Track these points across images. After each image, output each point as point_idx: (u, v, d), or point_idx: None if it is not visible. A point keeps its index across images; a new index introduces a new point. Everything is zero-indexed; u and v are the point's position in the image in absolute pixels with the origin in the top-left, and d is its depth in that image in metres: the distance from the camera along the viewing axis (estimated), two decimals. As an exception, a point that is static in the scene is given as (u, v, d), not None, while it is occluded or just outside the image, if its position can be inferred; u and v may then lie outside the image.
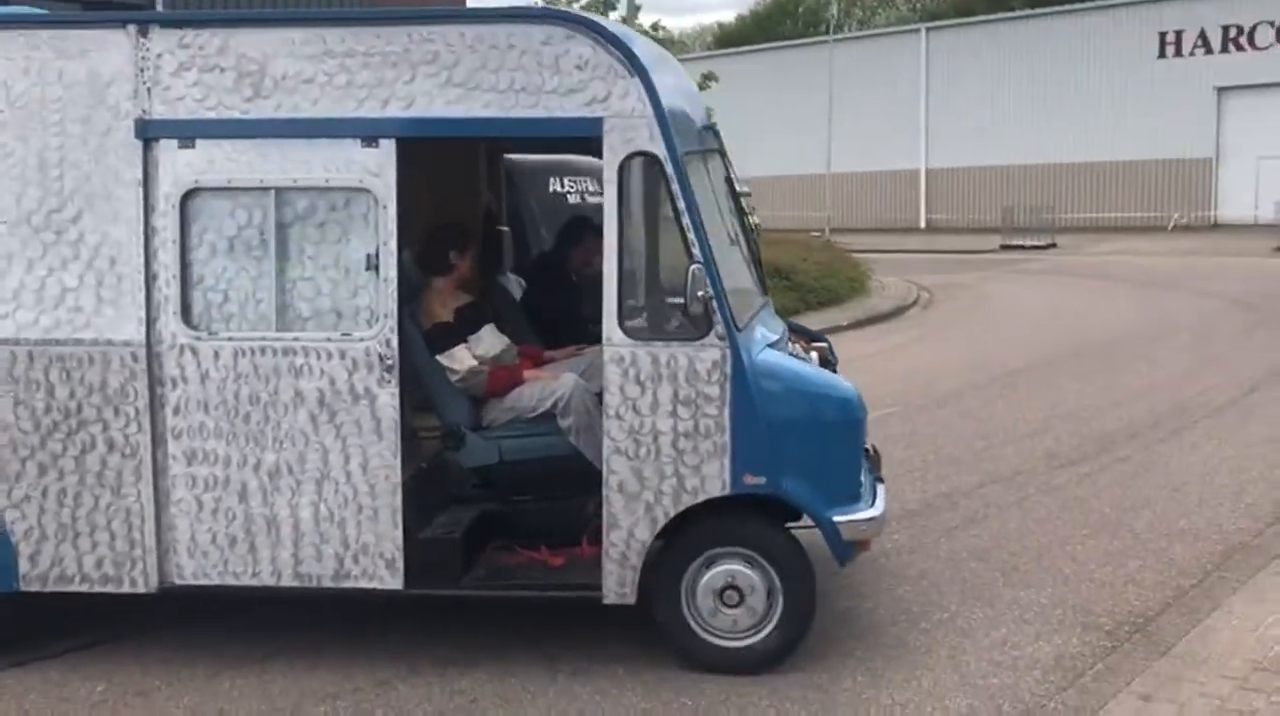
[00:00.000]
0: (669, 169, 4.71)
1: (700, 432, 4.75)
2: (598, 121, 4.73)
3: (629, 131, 4.71)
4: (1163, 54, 40.81)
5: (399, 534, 4.87)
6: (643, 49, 4.85)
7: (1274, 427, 9.43)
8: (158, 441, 4.87)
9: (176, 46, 4.79)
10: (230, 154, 4.79)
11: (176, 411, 4.85)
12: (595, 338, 5.00)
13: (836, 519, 4.84)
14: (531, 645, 5.20)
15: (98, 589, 4.96)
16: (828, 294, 18.91)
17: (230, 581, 4.94)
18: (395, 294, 4.78)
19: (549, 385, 5.41)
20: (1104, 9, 44.18)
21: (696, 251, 4.71)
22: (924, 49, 45.89)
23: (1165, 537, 6.70)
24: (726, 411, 4.74)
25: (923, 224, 45.23)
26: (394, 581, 4.89)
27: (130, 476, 4.87)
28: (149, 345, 4.82)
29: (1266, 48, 39.04)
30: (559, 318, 6.28)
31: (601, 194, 4.89)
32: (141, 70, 4.80)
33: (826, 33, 47.02)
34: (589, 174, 8.92)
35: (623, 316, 4.76)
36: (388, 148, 4.76)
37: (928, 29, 47.73)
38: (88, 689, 4.84)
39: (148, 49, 4.79)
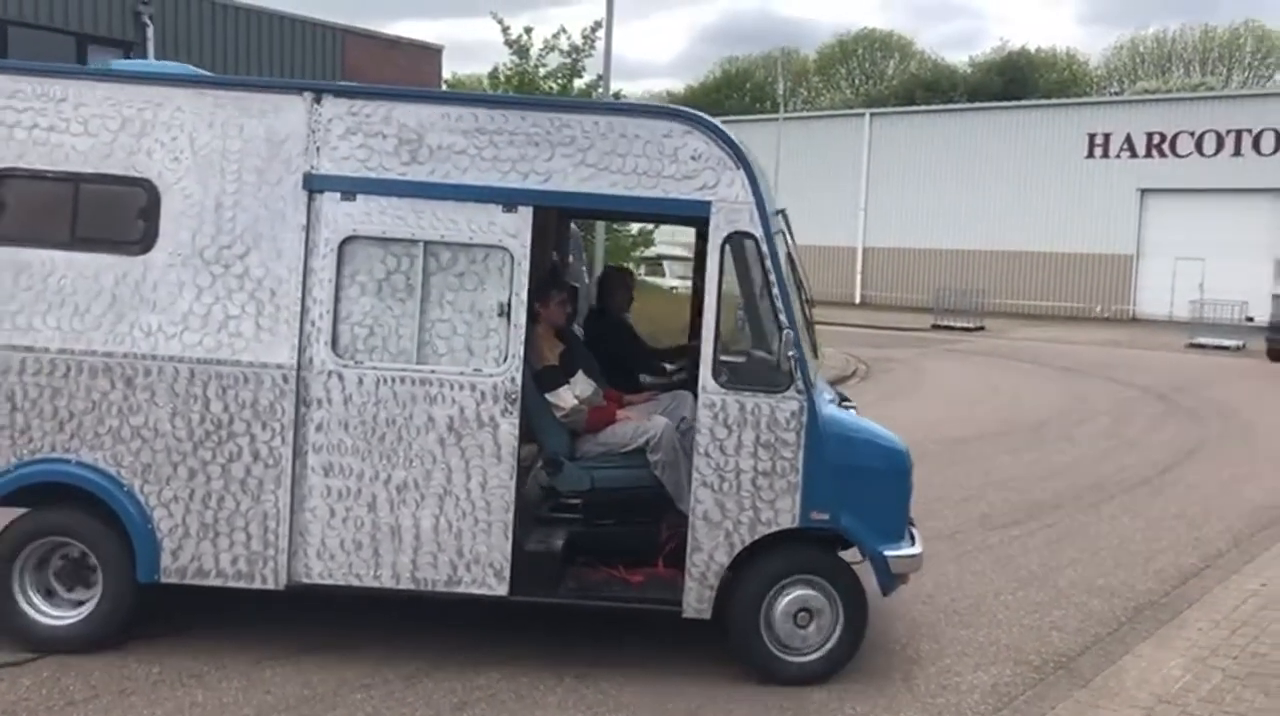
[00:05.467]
0: (764, 247, 5.54)
1: (776, 472, 5.53)
2: (706, 204, 5.54)
3: (733, 214, 5.53)
4: (1091, 154, 42.88)
5: (509, 546, 5.51)
6: (744, 146, 5.64)
7: (1181, 505, 10.43)
8: (298, 454, 5.47)
9: (345, 113, 5.50)
10: (386, 209, 5.47)
11: (319, 428, 5.46)
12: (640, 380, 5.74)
13: (887, 553, 5.65)
14: (540, 650, 5.87)
15: (229, 584, 5.53)
16: (769, 362, 19.69)
17: (353, 582, 5.53)
18: (523, 338, 5.51)
19: (642, 425, 6.17)
20: (1038, 108, 46.50)
21: (783, 318, 5.54)
22: (867, 132, 47.64)
23: (1085, 592, 7.56)
24: (800, 455, 5.52)
25: (858, 299, 46.65)
26: (500, 588, 5.53)
27: (270, 484, 5.46)
28: (299, 369, 5.46)
29: (1186, 155, 41.26)
30: (618, 361, 7.13)
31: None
32: (313, 131, 5.49)
33: (773, 109, 48.63)
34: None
35: (716, 369, 5.53)
36: (525, 214, 5.49)
37: (871, 114, 49.57)
38: (145, 670, 5.41)
39: (319, 113, 5.50)
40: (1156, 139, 41.83)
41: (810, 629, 5.67)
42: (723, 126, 5.63)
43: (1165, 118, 41.90)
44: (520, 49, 25.97)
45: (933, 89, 61.94)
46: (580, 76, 26.69)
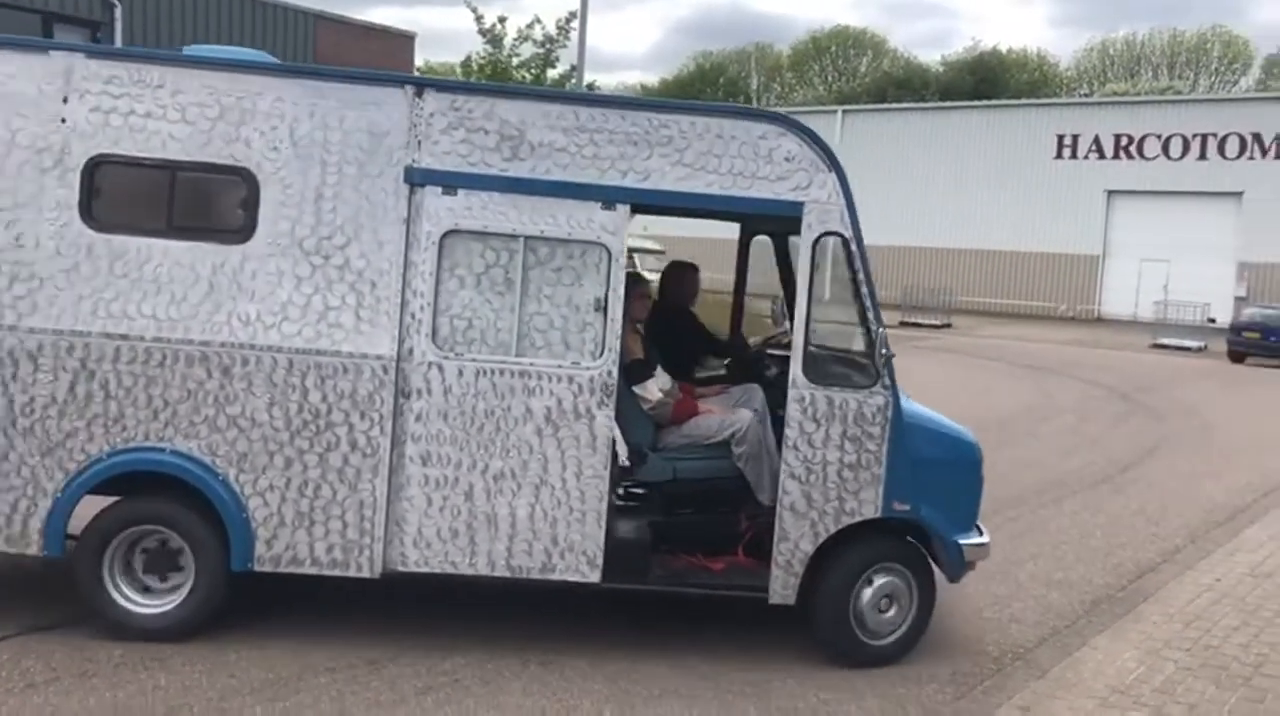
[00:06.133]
0: (854, 247, 5.71)
1: (861, 465, 5.73)
2: (800, 204, 5.68)
3: (824, 215, 5.68)
4: (1059, 155, 43.40)
5: (601, 534, 5.61)
6: (834, 150, 5.78)
7: (1141, 502, 10.59)
8: (396, 443, 5.49)
9: (447, 108, 5.51)
10: (487, 204, 5.51)
11: (418, 418, 5.49)
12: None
13: (960, 542, 5.92)
14: (505, 637, 5.89)
15: (324, 572, 5.54)
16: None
17: (448, 569, 5.58)
18: (619, 332, 5.60)
19: (727, 418, 6.30)
20: (1008, 108, 46.95)
21: (872, 316, 5.76)
22: (839, 129, 47.90)
23: (1044, 586, 7.67)
24: (884, 448, 5.73)
25: (828, 295, 46.82)
26: (593, 576, 5.63)
27: (368, 473, 5.48)
28: (399, 360, 5.48)
29: (1153, 158, 41.86)
30: (685, 353, 7.31)
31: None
32: (415, 125, 5.49)
33: (746, 104, 48.72)
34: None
35: (807, 364, 5.68)
36: (623, 211, 5.59)
37: (844, 111, 49.89)
38: (107, 652, 5.38)
39: (421, 107, 5.50)
40: (1124, 141, 42.38)
41: (890, 613, 5.92)
42: (812, 131, 5.79)
43: (1133, 120, 42.45)
44: (494, 38, 25.87)
45: (905, 87, 62.33)
46: (554, 67, 26.62)
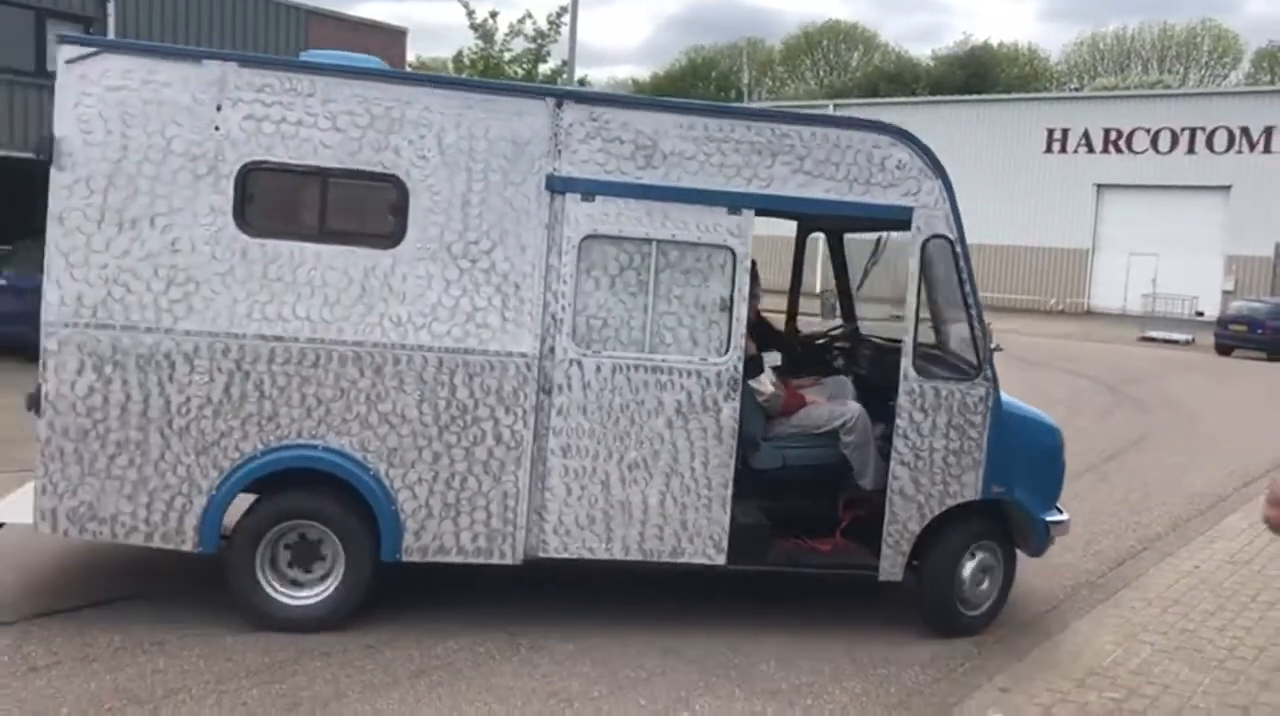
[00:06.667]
0: (958, 248, 6.15)
1: (964, 451, 6.19)
2: (909, 209, 6.08)
3: (931, 219, 6.10)
4: (1049, 149, 43.57)
5: (727, 519, 5.95)
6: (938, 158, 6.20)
7: (1125, 491, 10.75)
8: (538, 436, 5.76)
9: (586, 119, 5.78)
10: (622, 210, 5.80)
11: (559, 412, 5.78)
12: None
13: (1048, 519, 6.48)
14: (497, 622, 6.03)
15: (468, 560, 5.79)
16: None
17: (585, 555, 5.87)
18: (744, 330, 5.94)
19: (836, 409, 6.69)
20: (998, 102, 47.07)
21: (975, 313, 6.19)
22: (830, 124, 47.95)
23: (1028, 571, 7.78)
24: (984, 436, 6.18)
25: (817, 288, 46.98)
26: (719, 558, 5.98)
27: (511, 465, 5.74)
28: (541, 358, 5.74)
29: (1142, 152, 42.04)
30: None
31: None
32: (555, 135, 5.75)
33: (738, 99, 48.85)
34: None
35: (916, 358, 6.10)
36: (748, 216, 5.92)
37: (835, 105, 50.01)
38: (106, 638, 5.50)
39: (561, 118, 5.76)
40: (1113, 135, 42.55)
41: (984, 586, 6.42)
42: (920, 141, 6.19)
43: (1122, 114, 42.61)
44: (485, 33, 25.96)
45: (896, 81, 62.51)
46: (545, 62, 26.70)
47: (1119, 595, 7.38)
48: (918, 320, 6.07)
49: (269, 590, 5.69)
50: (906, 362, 6.09)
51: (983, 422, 6.18)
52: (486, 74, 25.51)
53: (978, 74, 62.40)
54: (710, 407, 5.90)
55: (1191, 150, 41.20)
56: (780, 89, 74.14)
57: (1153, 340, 32.10)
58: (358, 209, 5.70)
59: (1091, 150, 43.00)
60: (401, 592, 6.27)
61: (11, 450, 9.45)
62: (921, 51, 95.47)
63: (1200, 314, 37.40)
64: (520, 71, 25.27)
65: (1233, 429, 15.30)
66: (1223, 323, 29.67)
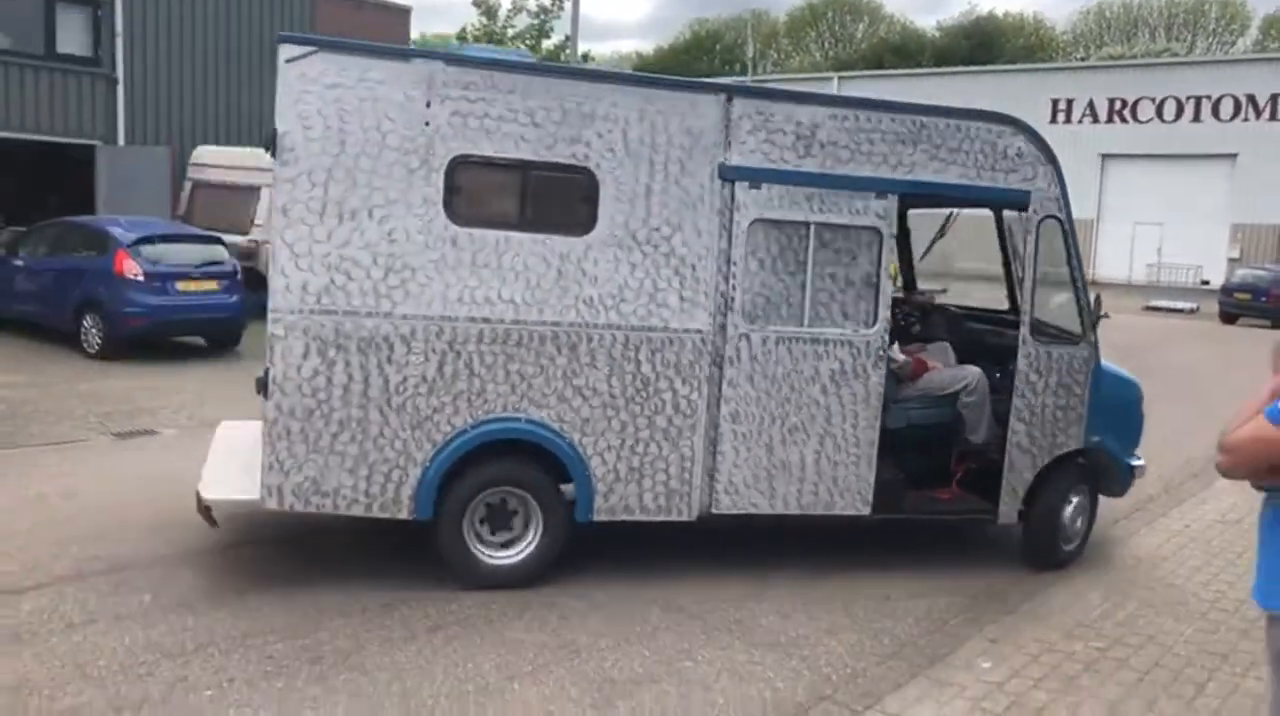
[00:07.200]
0: (1067, 227, 6.88)
1: (1069, 407, 6.97)
2: (1027, 193, 6.77)
3: (1045, 202, 6.81)
4: (1054, 119, 43.45)
5: (872, 475, 6.60)
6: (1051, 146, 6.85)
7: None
8: (710, 405, 6.29)
9: (753, 112, 6.25)
10: (784, 196, 6.32)
11: (730, 383, 6.31)
12: None
13: (1132, 463, 7.35)
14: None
15: (649, 518, 6.32)
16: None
17: (750, 510, 6.46)
18: (888, 303, 6.54)
19: (958, 373, 7.39)
20: (1003, 73, 46.98)
21: (1080, 284, 6.97)
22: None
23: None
24: (1086, 392, 6.98)
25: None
26: (865, 510, 6.66)
27: (688, 431, 6.27)
28: (714, 333, 6.25)
29: (1147, 121, 41.95)
30: None
31: None
32: (726, 128, 6.21)
33: (743, 72, 48.78)
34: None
35: (1033, 325, 6.83)
36: (892, 200, 6.49)
37: (840, 77, 49.93)
38: (136, 598, 5.79)
39: (731, 112, 6.22)
40: (1118, 105, 42.45)
41: (1078, 524, 7.28)
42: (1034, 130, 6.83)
43: (1127, 83, 42.48)
44: (488, 9, 26.06)
45: (901, 53, 62.24)
46: (548, 37, 26.80)
47: (1110, 553, 7.64)
48: (1035, 293, 6.80)
49: (477, 553, 6.14)
50: (1025, 330, 6.83)
51: (1085, 381, 6.96)
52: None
53: (983, 44, 62.14)
54: (860, 375, 6.49)
55: (1197, 119, 41.10)
56: (785, 62, 73.89)
57: (1157, 309, 32.21)
58: (553, 199, 6.08)
59: (1096, 120, 42.93)
60: (415, 553, 6.54)
61: (29, 425, 9.74)
62: (927, 22, 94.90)
63: (1206, 283, 37.46)
64: (524, 47, 25.37)
65: (1234, 396, 15.40)
66: (1227, 291, 29.76)
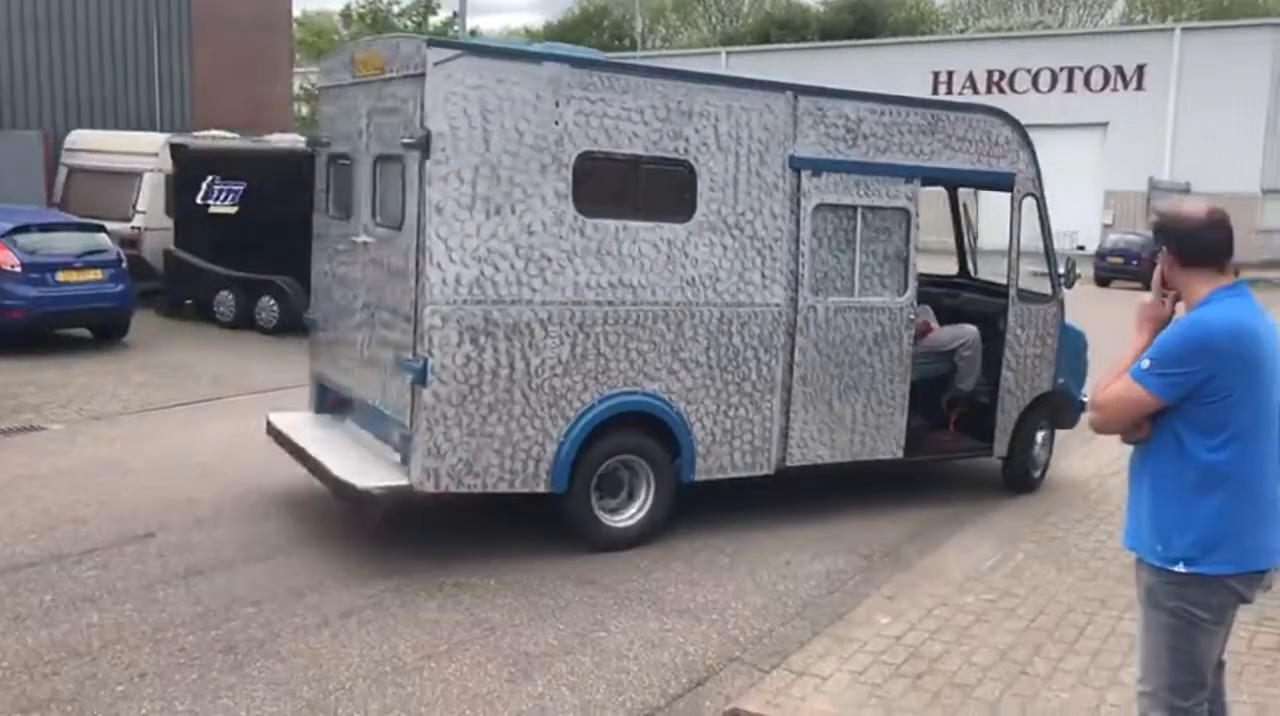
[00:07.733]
0: (1042, 203, 8.25)
1: (1043, 355, 8.28)
2: (1012, 175, 8.05)
3: (1025, 182, 8.14)
4: (935, 91, 44.34)
5: (904, 422, 7.63)
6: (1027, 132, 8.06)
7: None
8: (784, 370, 7.13)
9: (814, 108, 7.10)
10: (838, 182, 7.23)
11: (800, 349, 7.18)
12: None
13: (1083, 399, 8.43)
14: (422, 565, 6.34)
15: (739, 474, 7.07)
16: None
17: (815, 461, 7.36)
18: (916, 273, 7.57)
19: (956, 332, 8.43)
20: (885, 46, 47.97)
21: (1050, 253, 8.27)
22: (724, 71, 48.31)
23: (934, 486, 8.38)
24: (1055, 342, 8.31)
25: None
26: (899, 453, 7.66)
27: (768, 395, 7.09)
28: (787, 306, 7.06)
29: (1024, 92, 43.21)
30: None
31: None
32: (794, 122, 7.00)
33: (631, 47, 48.79)
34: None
35: (1018, 289, 8.11)
36: (917, 183, 7.54)
37: (728, 53, 50.31)
38: (36, 599, 5.66)
39: (796, 108, 7.02)
40: (996, 76, 43.64)
41: (1045, 455, 8.64)
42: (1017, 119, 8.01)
43: (1004, 55, 43.73)
44: (373, -14, 25.51)
45: (786, 27, 62.82)
46: (435, 13, 26.44)
47: (1000, 505, 8.02)
48: (1018, 259, 8.02)
49: (601, 517, 6.66)
50: (1013, 292, 8.10)
51: (1055, 333, 8.30)
52: (375, 26, 25.15)
53: (866, 18, 63.09)
54: (895, 336, 7.51)
55: (1070, 89, 42.52)
56: (674, 37, 74.10)
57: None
58: (660, 190, 6.69)
59: (976, 91, 43.98)
60: (324, 540, 6.54)
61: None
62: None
63: (1081, 248, 38.79)
64: (410, 24, 25.03)
65: (1108, 355, 16.11)
66: (1101, 255, 30.97)
